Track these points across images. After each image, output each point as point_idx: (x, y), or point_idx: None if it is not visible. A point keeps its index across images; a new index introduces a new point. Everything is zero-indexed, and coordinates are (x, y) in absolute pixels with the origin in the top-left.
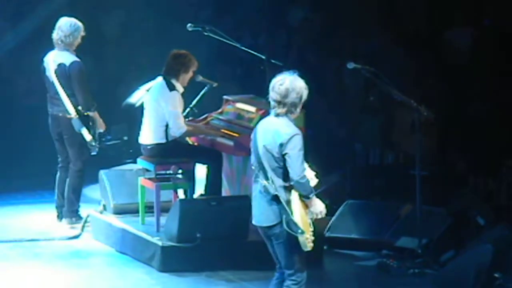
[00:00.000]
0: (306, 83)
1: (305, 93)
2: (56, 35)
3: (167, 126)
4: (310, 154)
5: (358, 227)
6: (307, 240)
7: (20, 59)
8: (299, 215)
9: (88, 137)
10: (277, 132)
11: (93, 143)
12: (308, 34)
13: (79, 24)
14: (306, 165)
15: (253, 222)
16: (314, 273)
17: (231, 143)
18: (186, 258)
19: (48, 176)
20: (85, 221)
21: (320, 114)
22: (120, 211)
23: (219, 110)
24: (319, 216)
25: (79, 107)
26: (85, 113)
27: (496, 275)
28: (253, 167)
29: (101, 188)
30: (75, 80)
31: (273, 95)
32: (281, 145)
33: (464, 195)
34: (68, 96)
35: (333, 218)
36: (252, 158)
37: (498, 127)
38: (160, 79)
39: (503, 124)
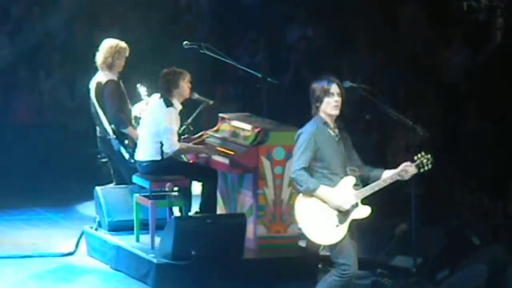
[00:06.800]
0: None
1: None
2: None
3: (162, 143)
4: None
5: None
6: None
7: (16, 75)
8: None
9: (126, 155)
10: None
11: (132, 161)
12: (305, 52)
13: (113, 43)
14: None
15: None
16: None
17: (226, 161)
18: (180, 276)
19: (41, 192)
20: (80, 238)
21: None
22: (115, 228)
23: (215, 128)
24: (343, 210)
25: (112, 126)
26: (119, 131)
27: None
28: None
29: (96, 205)
30: (105, 98)
31: None
32: None
33: (460, 214)
34: (105, 115)
35: None
36: None
37: (494, 145)
38: (158, 96)
39: (500, 142)
